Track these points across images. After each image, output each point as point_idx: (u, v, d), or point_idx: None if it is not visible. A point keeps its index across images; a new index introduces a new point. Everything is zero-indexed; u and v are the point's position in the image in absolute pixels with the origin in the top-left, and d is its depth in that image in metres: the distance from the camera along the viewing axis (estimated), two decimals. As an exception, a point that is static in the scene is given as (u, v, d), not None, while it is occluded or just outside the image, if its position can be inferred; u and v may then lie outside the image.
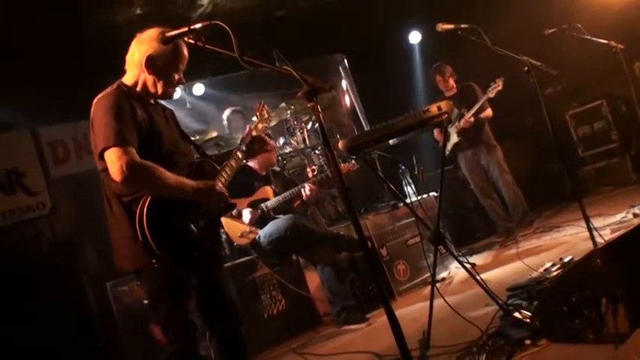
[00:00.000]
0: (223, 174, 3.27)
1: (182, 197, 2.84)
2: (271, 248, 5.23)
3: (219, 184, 3.13)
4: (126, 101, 2.83)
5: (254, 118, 4.25)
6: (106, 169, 2.74)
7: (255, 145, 3.45)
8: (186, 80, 3.13)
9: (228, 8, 6.99)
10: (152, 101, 3.07)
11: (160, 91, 3.01)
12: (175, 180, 2.82)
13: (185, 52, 3.04)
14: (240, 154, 3.54)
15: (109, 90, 2.90)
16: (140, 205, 2.71)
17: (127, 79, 3.01)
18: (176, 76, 3.05)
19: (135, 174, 2.67)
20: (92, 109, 2.85)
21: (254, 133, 4.00)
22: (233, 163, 3.41)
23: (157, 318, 2.94)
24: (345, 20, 8.04)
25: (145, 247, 2.67)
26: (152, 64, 2.93)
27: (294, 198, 5.53)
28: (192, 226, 2.89)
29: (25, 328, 5.36)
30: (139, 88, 2.98)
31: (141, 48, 2.96)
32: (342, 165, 5.54)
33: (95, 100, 2.87)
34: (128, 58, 3.01)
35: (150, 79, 2.97)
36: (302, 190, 5.40)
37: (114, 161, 2.66)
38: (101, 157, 2.73)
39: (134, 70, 2.99)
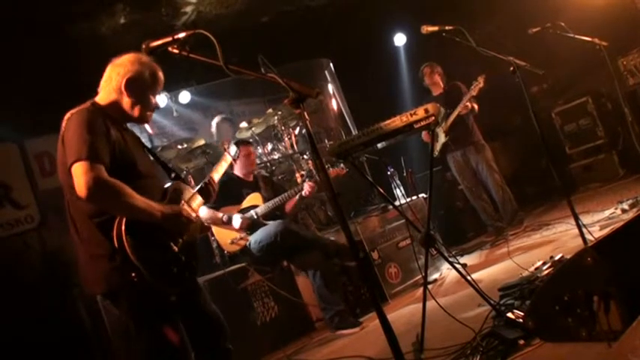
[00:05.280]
0: (192, 204, 3.16)
1: (149, 220, 2.75)
2: (262, 255, 5.22)
3: (187, 208, 3.04)
4: (100, 119, 2.78)
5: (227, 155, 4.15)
6: (72, 187, 2.64)
7: (210, 190, 3.38)
8: (173, 88, 3.12)
9: (213, 15, 6.98)
10: (125, 125, 3.04)
11: (136, 114, 3.00)
12: (143, 202, 2.72)
13: (161, 75, 3.05)
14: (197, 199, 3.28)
15: (82, 106, 2.85)
16: (117, 221, 2.63)
17: (101, 100, 2.97)
18: (153, 100, 3.05)
19: (100, 191, 2.58)
20: (64, 125, 2.78)
21: (224, 164, 3.89)
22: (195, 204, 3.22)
23: (143, 340, 2.83)
24: (329, 24, 8.06)
25: (124, 262, 2.60)
26: (131, 86, 2.93)
27: (285, 203, 5.53)
28: (170, 242, 2.85)
29: (17, 342, 5.31)
30: (114, 111, 2.95)
31: (119, 71, 2.94)
32: (330, 170, 5.53)
33: (68, 115, 2.80)
34: (104, 82, 2.99)
35: (128, 101, 2.96)
36: (302, 188, 5.41)
37: (80, 175, 2.58)
38: (70, 170, 2.65)
39: (111, 93, 2.96)
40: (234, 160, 4.34)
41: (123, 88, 2.92)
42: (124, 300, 2.80)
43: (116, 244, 2.61)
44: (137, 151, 3.00)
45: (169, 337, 2.78)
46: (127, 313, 2.85)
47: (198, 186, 3.33)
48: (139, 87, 2.97)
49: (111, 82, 2.95)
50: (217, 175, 3.65)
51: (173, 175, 3.28)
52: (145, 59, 2.99)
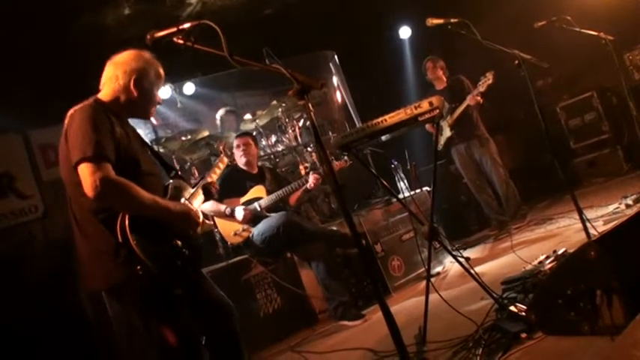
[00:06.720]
0: (193, 202, 3.18)
1: (157, 217, 2.77)
2: (265, 246, 5.22)
3: (194, 208, 3.06)
4: (104, 115, 2.75)
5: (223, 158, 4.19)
6: (75, 184, 2.64)
7: (211, 190, 3.42)
8: (177, 80, 3.12)
9: (217, 6, 6.98)
10: (126, 121, 3.03)
11: (143, 110, 3.05)
12: (151, 200, 2.72)
13: (162, 70, 3.08)
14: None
15: (85, 103, 2.81)
16: (121, 216, 2.62)
17: (105, 96, 2.94)
18: (157, 95, 3.09)
19: (109, 191, 2.56)
20: (67, 121, 2.74)
21: (221, 166, 3.95)
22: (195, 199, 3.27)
23: (152, 334, 2.79)
24: (334, 16, 8.03)
25: (129, 257, 2.59)
26: (139, 84, 2.94)
27: (289, 195, 5.53)
28: (173, 236, 2.86)
29: (20, 333, 5.32)
30: (118, 107, 2.93)
31: (125, 69, 2.94)
32: (334, 162, 5.53)
33: (71, 111, 2.76)
34: (107, 80, 2.97)
35: (135, 98, 2.95)
36: (307, 180, 5.43)
37: (87, 175, 2.55)
38: (76, 168, 2.62)
39: (116, 91, 2.94)
40: (231, 162, 4.37)
41: (132, 87, 2.92)
42: (128, 294, 2.78)
43: (120, 239, 2.60)
44: (139, 148, 3.00)
45: (175, 330, 2.78)
46: (132, 308, 2.84)
47: (197, 186, 3.33)
48: (147, 84, 2.98)
49: (117, 80, 2.93)
50: (215, 177, 3.68)
51: (173, 173, 3.27)
52: (146, 56, 3.01)
